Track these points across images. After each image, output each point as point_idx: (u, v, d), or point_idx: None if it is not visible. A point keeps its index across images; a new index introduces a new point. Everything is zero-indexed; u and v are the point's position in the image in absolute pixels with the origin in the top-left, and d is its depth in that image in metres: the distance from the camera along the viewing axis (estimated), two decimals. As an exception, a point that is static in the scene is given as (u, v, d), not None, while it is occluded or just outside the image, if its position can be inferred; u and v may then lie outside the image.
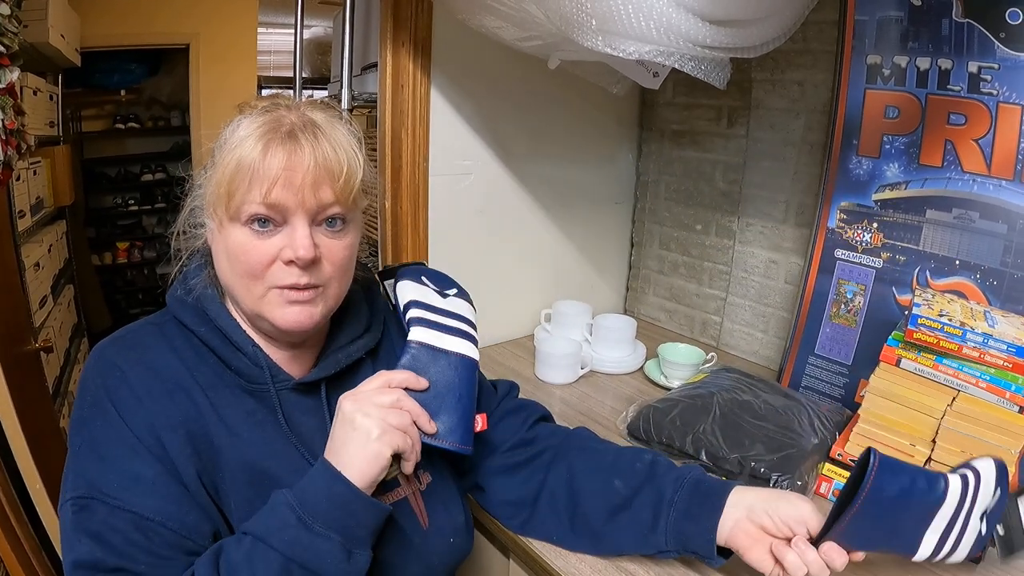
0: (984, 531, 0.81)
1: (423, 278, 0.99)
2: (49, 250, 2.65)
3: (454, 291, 1.02)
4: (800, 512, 0.80)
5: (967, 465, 0.80)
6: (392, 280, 1.00)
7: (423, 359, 0.87)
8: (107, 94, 4.68)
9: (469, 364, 0.89)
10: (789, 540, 0.79)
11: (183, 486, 0.71)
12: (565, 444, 0.99)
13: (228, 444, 0.75)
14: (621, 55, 0.86)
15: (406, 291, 0.95)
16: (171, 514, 0.69)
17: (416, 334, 0.89)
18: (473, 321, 0.98)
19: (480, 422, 0.90)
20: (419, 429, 0.78)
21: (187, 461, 0.72)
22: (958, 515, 0.79)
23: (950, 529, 0.78)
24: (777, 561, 0.79)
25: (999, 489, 0.80)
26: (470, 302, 1.02)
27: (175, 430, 0.72)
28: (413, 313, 0.92)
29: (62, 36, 2.83)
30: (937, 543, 0.79)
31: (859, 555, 0.78)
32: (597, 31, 0.83)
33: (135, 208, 5.00)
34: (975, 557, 0.85)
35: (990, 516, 0.81)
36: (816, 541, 0.79)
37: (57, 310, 2.67)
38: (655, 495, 0.89)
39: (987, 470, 0.80)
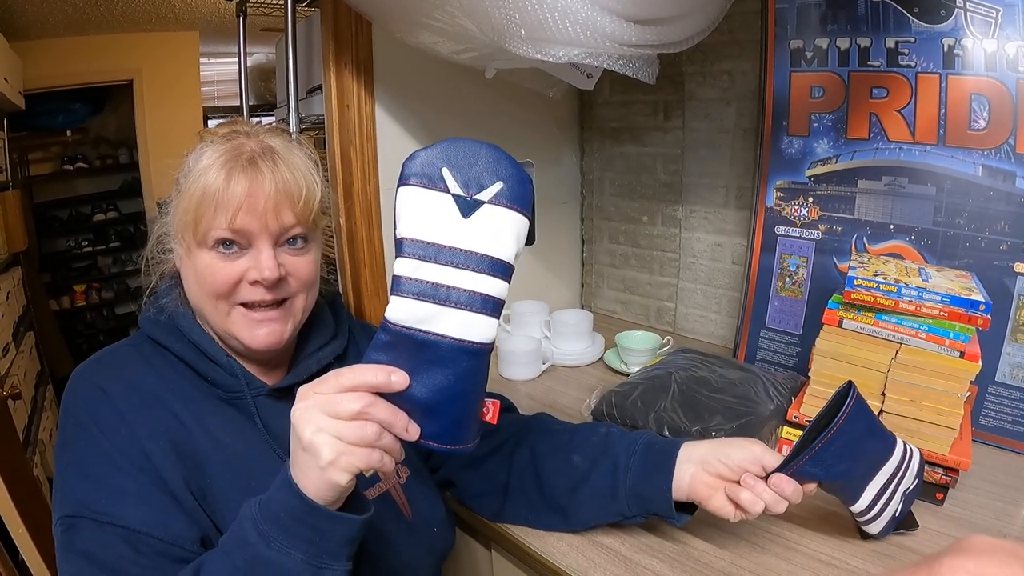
0: (899, 512, 0.85)
1: (444, 171, 0.66)
2: (7, 297, 2.62)
3: (495, 187, 0.66)
4: (752, 453, 0.82)
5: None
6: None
7: (403, 350, 0.63)
8: (53, 136, 4.58)
9: (474, 353, 0.63)
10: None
11: (169, 494, 0.72)
12: (525, 430, 1.01)
13: (212, 451, 0.77)
14: (552, 60, 0.90)
15: (403, 210, 0.64)
16: (158, 523, 0.70)
17: (396, 308, 0.62)
18: (504, 260, 0.64)
19: (490, 410, 0.68)
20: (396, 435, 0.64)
21: (172, 469, 0.73)
22: (893, 478, 0.83)
23: (884, 490, 0.82)
24: (736, 505, 0.82)
25: (919, 479, 0.86)
26: (522, 204, 0.68)
27: (158, 440, 0.74)
28: (400, 266, 0.62)
29: (5, 80, 2.81)
30: (872, 499, 0.82)
31: (811, 487, 0.80)
32: (527, 39, 0.87)
33: (89, 249, 4.90)
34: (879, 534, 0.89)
35: (907, 497, 0.86)
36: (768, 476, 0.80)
37: (20, 358, 2.63)
38: (611, 464, 0.91)
39: (918, 454, 0.86)
